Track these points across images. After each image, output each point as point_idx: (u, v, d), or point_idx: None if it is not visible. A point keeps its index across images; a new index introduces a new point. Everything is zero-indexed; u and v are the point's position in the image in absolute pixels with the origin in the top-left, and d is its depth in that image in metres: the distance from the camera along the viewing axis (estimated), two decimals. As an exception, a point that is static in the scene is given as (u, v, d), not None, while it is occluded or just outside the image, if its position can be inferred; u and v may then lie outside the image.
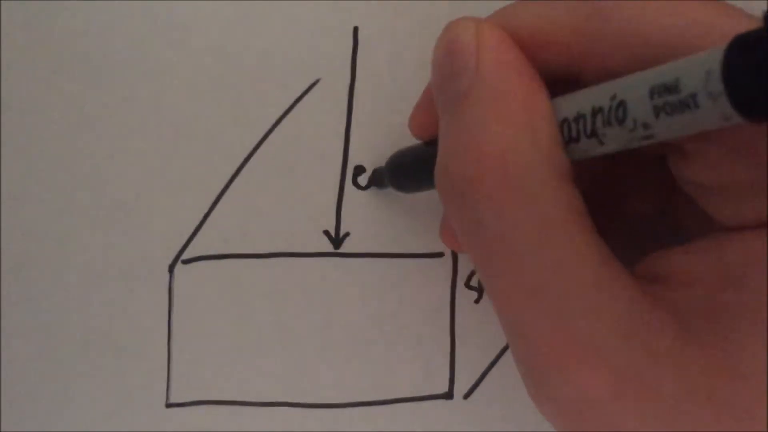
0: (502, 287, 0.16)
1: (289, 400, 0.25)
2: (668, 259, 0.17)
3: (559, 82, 0.17)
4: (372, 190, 0.25)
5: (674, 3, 0.15)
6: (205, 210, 0.25)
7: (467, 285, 0.25)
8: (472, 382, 0.25)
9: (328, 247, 0.25)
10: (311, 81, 0.25)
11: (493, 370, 0.25)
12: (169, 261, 0.25)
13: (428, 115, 0.21)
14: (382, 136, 0.25)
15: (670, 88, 0.13)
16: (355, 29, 0.25)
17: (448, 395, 0.25)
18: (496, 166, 0.16)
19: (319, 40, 0.25)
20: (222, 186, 0.25)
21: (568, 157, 0.16)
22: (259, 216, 0.25)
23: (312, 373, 0.25)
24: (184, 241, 0.25)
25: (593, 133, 0.15)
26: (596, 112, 0.15)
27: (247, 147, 0.25)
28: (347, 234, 0.25)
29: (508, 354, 0.25)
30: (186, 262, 0.25)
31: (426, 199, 0.25)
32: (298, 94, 0.25)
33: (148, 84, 0.25)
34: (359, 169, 0.25)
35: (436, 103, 0.18)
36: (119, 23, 0.25)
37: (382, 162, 0.24)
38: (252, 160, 0.25)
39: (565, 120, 0.16)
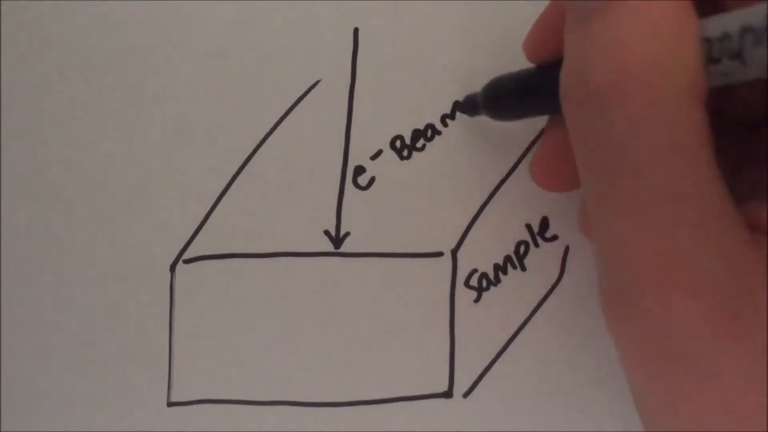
0: (614, 201, 0.15)
1: (290, 399, 0.25)
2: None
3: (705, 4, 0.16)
4: (372, 191, 0.25)
5: None
6: (207, 210, 0.25)
7: (467, 285, 0.25)
8: (472, 381, 0.25)
9: (328, 247, 0.25)
10: (312, 82, 0.25)
11: (493, 369, 0.25)
12: (171, 260, 0.25)
13: (550, 33, 0.20)
14: (382, 137, 0.25)
15: None
16: (355, 30, 0.25)
17: (448, 394, 0.25)
18: (638, 76, 0.15)
19: (320, 40, 0.25)
20: (223, 186, 0.25)
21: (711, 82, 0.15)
22: (259, 216, 0.25)
23: (312, 373, 0.25)
24: (185, 241, 0.25)
25: (738, 54, 0.15)
26: (746, 30, 0.15)
27: (248, 147, 0.25)
28: (347, 234, 0.25)
29: (508, 353, 0.25)
30: (187, 261, 0.25)
31: (426, 199, 0.25)
32: (298, 95, 0.25)
33: (148, 84, 0.25)
34: (359, 169, 0.25)
35: (569, 13, 0.17)
36: (120, 23, 0.25)
37: (381, 168, 0.24)
38: (253, 160, 0.25)
39: (708, 39, 0.15)
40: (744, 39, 0.15)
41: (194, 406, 0.25)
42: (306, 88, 0.25)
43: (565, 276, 0.25)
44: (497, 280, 0.25)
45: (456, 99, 0.25)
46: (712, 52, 0.15)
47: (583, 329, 0.25)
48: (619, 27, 0.15)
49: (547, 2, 0.25)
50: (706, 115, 0.15)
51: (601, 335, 0.25)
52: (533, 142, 0.25)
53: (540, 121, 0.25)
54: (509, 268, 0.25)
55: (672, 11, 0.15)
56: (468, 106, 0.24)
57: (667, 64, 0.15)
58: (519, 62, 0.25)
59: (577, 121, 0.16)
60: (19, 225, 0.25)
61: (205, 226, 0.25)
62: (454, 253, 0.25)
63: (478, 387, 0.25)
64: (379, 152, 0.25)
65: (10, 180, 0.25)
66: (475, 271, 0.25)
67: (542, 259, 0.25)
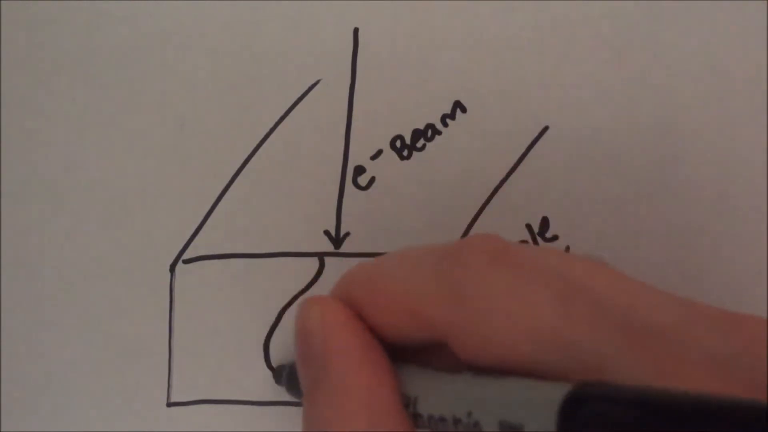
0: None
1: (290, 399, 0.25)
2: None
3: (426, 344, 0.17)
4: (372, 191, 0.25)
5: (523, 304, 0.15)
6: (206, 210, 0.25)
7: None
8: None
9: (328, 247, 0.25)
10: (312, 82, 0.25)
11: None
12: (171, 260, 0.25)
13: None
14: (382, 136, 0.25)
15: (517, 430, 0.14)
16: (355, 30, 0.25)
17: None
18: None
19: (319, 40, 0.25)
20: (223, 186, 0.25)
21: None
22: (259, 216, 0.25)
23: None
24: (185, 241, 0.25)
25: None
26: (456, 421, 0.16)
27: (248, 147, 0.25)
28: (347, 234, 0.25)
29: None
30: (187, 261, 0.25)
31: (426, 199, 0.25)
32: (298, 95, 0.25)
33: (148, 84, 0.25)
34: (359, 169, 0.25)
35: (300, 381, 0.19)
36: (119, 23, 0.25)
37: (381, 168, 0.24)
38: (253, 160, 0.25)
39: (431, 417, 0.16)
40: (457, 427, 0.16)
41: (194, 406, 0.25)
42: (306, 88, 0.25)
43: (566, 276, 0.25)
44: (498, 281, 0.25)
45: (456, 98, 0.25)
46: (437, 426, 0.16)
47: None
48: (322, 412, 0.17)
49: (548, 2, 0.24)
50: None
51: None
52: (533, 142, 0.25)
53: (540, 121, 0.25)
54: (510, 268, 0.25)
55: (366, 393, 0.17)
56: (278, 376, 0.25)
57: None
58: (519, 62, 0.25)
59: None
60: (18, 225, 0.25)
61: (204, 226, 0.25)
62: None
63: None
64: (379, 152, 0.25)
65: (10, 180, 0.25)
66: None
67: (543, 259, 0.25)
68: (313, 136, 0.25)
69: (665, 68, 0.25)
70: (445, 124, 0.25)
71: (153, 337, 0.25)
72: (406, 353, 0.18)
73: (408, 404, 0.17)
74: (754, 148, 0.25)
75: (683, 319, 0.14)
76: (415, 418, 0.17)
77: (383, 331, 0.18)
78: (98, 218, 0.25)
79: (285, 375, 0.24)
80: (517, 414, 0.14)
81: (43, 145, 0.25)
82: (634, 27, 0.25)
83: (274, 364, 0.25)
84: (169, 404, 0.25)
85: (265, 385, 0.25)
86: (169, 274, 0.25)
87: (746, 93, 0.25)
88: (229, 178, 0.25)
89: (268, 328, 0.25)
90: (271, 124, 0.25)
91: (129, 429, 0.25)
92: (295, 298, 0.25)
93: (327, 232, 0.25)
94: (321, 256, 0.25)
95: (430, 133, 0.25)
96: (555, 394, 0.13)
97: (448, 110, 0.25)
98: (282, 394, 0.25)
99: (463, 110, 0.25)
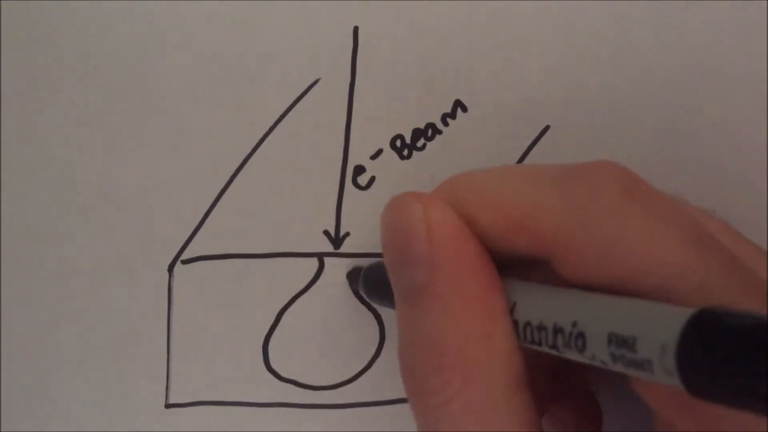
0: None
1: (289, 400, 0.25)
2: None
3: (526, 259, 0.17)
4: (372, 191, 0.25)
5: (655, 238, 0.15)
6: (205, 210, 0.25)
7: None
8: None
9: (328, 247, 0.25)
10: (311, 81, 0.25)
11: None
12: (169, 261, 0.25)
13: None
14: (382, 136, 0.25)
15: (628, 344, 0.13)
16: (355, 29, 0.25)
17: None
18: (455, 376, 0.16)
19: (319, 40, 0.25)
20: (222, 186, 0.25)
21: (530, 347, 0.16)
22: (259, 216, 0.25)
23: (312, 374, 0.25)
24: (183, 241, 0.25)
25: (554, 347, 0.15)
26: (557, 330, 0.15)
27: (247, 147, 0.25)
28: (347, 234, 0.25)
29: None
30: (185, 262, 0.25)
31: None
32: (298, 94, 0.25)
33: (148, 84, 0.25)
34: (359, 169, 0.25)
35: (392, 283, 0.18)
36: (119, 23, 0.25)
37: (381, 168, 0.24)
38: (252, 159, 0.25)
39: (527, 324, 0.16)
40: (556, 338, 0.15)
41: (192, 408, 0.25)
42: (305, 87, 0.25)
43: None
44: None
45: (457, 98, 0.25)
46: (533, 336, 0.16)
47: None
48: (433, 317, 0.16)
49: (548, 2, 0.24)
50: (527, 396, 0.16)
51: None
52: (534, 142, 0.25)
53: (541, 121, 0.25)
54: (510, 268, 0.25)
55: (480, 300, 0.16)
56: (353, 277, 0.24)
57: (480, 357, 0.16)
58: (519, 62, 0.25)
59: (411, 404, 0.17)
60: (18, 225, 0.25)
61: (203, 226, 0.25)
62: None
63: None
64: (379, 152, 0.25)
65: (9, 180, 0.25)
66: None
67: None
68: (312, 135, 0.25)
69: (665, 68, 0.25)
70: (446, 124, 0.25)
71: (151, 338, 0.25)
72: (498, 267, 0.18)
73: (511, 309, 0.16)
74: (754, 148, 0.25)
75: None
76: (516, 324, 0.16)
77: (486, 242, 0.17)
78: (97, 218, 0.25)
79: (363, 278, 0.23)
80: (631, 327, 0.13)
81: (42, 145, 0.25)
82: (634, 27, 0.25)
83: (274, 365, 0.25)
84: (168, 406, 0.25)
85: (264, 387, 0.25)
86: (167, 275, 0.25)
87: (746, 93, 0.25)
88: (228, 177, 0.25)
89: (267, 329, 0.25)
90: (271, 124, 0.25)
91: (127, 430, 0.25)
92: (295, 298, 0.25)
93: (326, 232, 0.25)
94: (320, 256, 0.25)
95: (430, 132, 0.25)
96: (678, 312, 0.13)
97: (448, 109, 0.25)
98: (282, 394, 0.25)
99: (464, 110, 0.25)
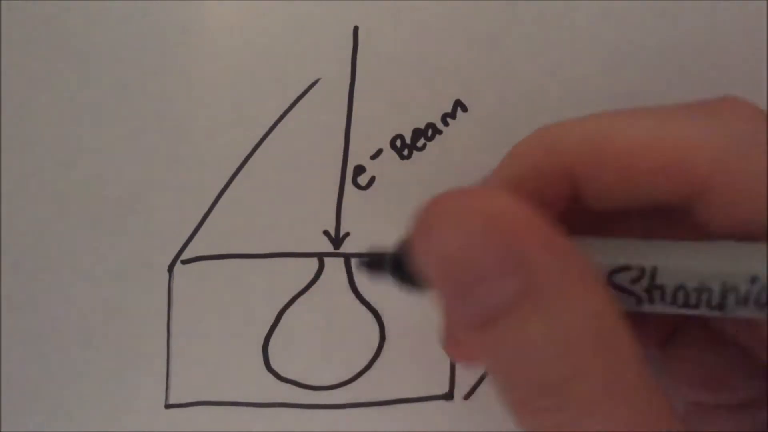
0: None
1: (289, 400, 0.25)
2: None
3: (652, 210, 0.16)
4: (372, 191, 0.25)
5: None
6: (205, 210, 0.25)
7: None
8: (473, 382, 0.25)
9: (328, 247, 0.25)
10: (311, 81, 0.25)
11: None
12: (169, 261, 0.25)
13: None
14: (382, 136, 0.25)
15: None
16: (355, 29, 0.25)
17: (449, 396, 0.25)
18: (586, 375, 0.13)
19: (319, 40, 0.25)
20: (222, 186, 0.25)
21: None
22: (259, 216, 0.25)
23: (312, 374, 0.25)
24: (183, 241, 0.25)
25: (696, 306, 0.15)
26: (729, 289, 0.14)
27: (247, 147, 0.25)
28: (347, 234, 0.25)
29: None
30: (185, 262, 0.25)
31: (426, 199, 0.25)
32: (298, 94, 0.25)
33: (147, 84, 0.25)
34: (359, 169, 0.25)
35: (453, 312, 0.14)
36: (119, 23, 0.25)
37: (381, 168, 0.24)
38: (252, 159, 0.25)
39: (680, 288, 0.15)
40: (700, 298, 0.14)
41: (192, 408, 0.25)
42: (305, 87, 0.25)
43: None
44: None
45: (457, 98, 0.25)
46: (672, 298, 0.15)
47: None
48: (537, 338, 0.13)
49: (548, 2, 0.24)
50: (662, 395, 0.13)
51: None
52: (534, 142, 0.25)
53: (541, 122, 0.25)
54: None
55: (593, 311, 0.13)
56: (373, 263, 0.20)
57: (604, 353, 0.13)
58: (518, 62, 0.25)
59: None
60: (18, 225, 0.25)
61: (203, 227, 0.25)
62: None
63: (479, 389, 0.25)
64: (379, 152, 0.25)
65: (9, 180, 0.25)
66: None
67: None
68: (312, 135, 0.25)
69: (665, 68, 0.25)
70: (446, 124, 0.25)
71: (151, 338, 0.25)
72: (616, 227, 0.16)
73: (641, 276, 0.15)
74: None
75: None
76: (650, 291, 0.15)
77: (603, 192, 0.15)
78: (97, 218, 0.25)
79: (392, 262, 0.20)
80: None
81: (42, 145, 0.25)
82: (634, 27, 0.25)
83: (273, 365, 0.25)
84: (168, 406, 0.25)
85: (264, 387, 0.25)
86: (167, 275, 0.25)
87: (746, 93, 0.25)
88: (228, 177, 0.25)
89: (267, 329, 0.25)
90: (271, 124, 0.25)
91: (127, 430, 0.25)
92: (295, 298, 0.25)
93: (326, 232, 0.25)
94: (320, 256, 0.25)
95: (430, 132, 0.25)
96: None
97: (448, 109, 0.25)
98: (282, 394, 0.25)
99: (464, 109, 0.25)
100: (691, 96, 0.25)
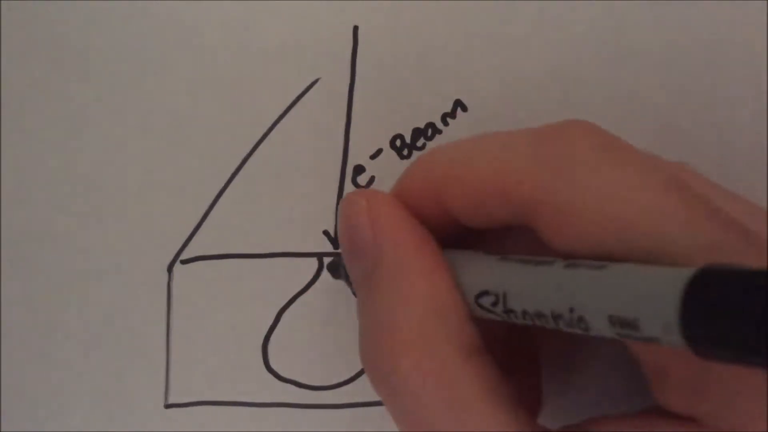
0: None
1: (289, 400, 0.25)
2: (604, 426, 0.16)
3: (510, 230, 0.17)
4: None
5: (634, 184, 0.15)
6: (204, 209, 0.25)
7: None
8: (472, 382, 0.25)
9: (328, 247, 0.25)
10: (311, 80, 0.25)
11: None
12: (168, 261, 0.25)
13: None
14: (381, 136, 0.25)
15: (631, 324, 0.13)
16: (355, 29, 0.25)
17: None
18: (408, 352, 0.16)
19: (319, 38, 0.25)
20: (221, 185, 0.25)
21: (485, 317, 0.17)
22: (258, 216, 0.25)
23: (311, 374, 0.25)
24: (182, 241, 0.25)
25: (557, 328, 0.15)
26: (557, 317, 0.15)
27: (247, 146, 0.25)
28: (347, 234, 0.25)
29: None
30: (185, 262, 0.25)
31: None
32: (297, 94, 0.25)
33: (147, 83, 0.25)
34: (359, 169, 0.25)
35: (349, 276, 0.19)
36: (119, 23, 0.25)
37: (381, 168, 0.24)
38: (251, 159, 0.25)
39: (525, 312, 0.16)
40: (558, 322, 0.15)
41: (192, 408, 0.25)
42: (305, 87, 0.25)
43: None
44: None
45: (457, 98, 0.25)
46: (526, 320, 0.16)
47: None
48: (382, 300, 0.17)
49: (548, 2, 0.24)
50: (485, 359, 0.17)
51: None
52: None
53: (540, 121, 0.25)
54: (510, 268, 0.25)
55: (425, 276, 0.17)
56: (333, 267, 0.24)
57: (430, 330, 0.17)
58: (518, 62, 0.25)
59: (379, 394, 0.18)
60: (18, 225, 0.25)
61: (202, 226, 0.25)
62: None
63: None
64: (379, 151, 0.25)
65: (10, 180, 0.25)
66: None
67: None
68: (312, 135, 0.25)
69: (665, 68, 0.25)
70: (446, 123, 0.25)
71: (150, 338, 0.25)
72: (483, 243, 0.18)
73: (497, 301, 0.16)
74: (754, 148, 0.25)
75: None
76: (507, 313, 0.16)
77: (465, 213, 0.18)
78: (97, 218, 0.25)
79: (343, 268, 0.23)
80: (630, 306, 0.13)
81: (43, 145, 0.25)
82: (634, 27, 0.25)
83: (273, 365, 0.25)
84: (167, 406, 0.25)
85: (263, 387, 0.25)
86: (166, 275, 0.25)
87: (746, 93, 0.25)
88: (227, 177, 0.25)
89: (266, 329, 0.25)
90: (270, 123, 0.25)
91: (127, 430, 0.25)
92: (294, 298, 0.25)
93: (326, 232, 0.25)
94: (320, 256, 0.25)
95: (430, 132, 0.25)
96: (673, 277, 0.12)
97: (448, 109, 0.25)
98: (281, 394, 0.25)
99: (464, 109, 0.25)
100: (691, 96, 0.25)
